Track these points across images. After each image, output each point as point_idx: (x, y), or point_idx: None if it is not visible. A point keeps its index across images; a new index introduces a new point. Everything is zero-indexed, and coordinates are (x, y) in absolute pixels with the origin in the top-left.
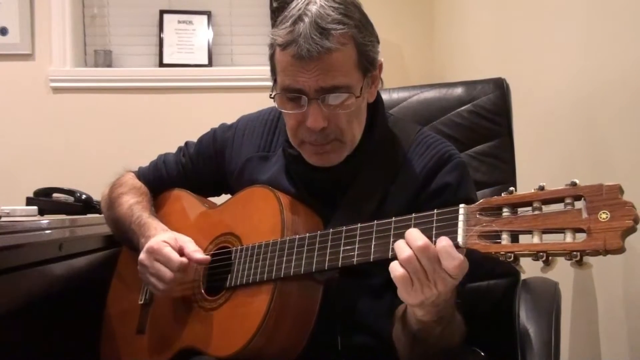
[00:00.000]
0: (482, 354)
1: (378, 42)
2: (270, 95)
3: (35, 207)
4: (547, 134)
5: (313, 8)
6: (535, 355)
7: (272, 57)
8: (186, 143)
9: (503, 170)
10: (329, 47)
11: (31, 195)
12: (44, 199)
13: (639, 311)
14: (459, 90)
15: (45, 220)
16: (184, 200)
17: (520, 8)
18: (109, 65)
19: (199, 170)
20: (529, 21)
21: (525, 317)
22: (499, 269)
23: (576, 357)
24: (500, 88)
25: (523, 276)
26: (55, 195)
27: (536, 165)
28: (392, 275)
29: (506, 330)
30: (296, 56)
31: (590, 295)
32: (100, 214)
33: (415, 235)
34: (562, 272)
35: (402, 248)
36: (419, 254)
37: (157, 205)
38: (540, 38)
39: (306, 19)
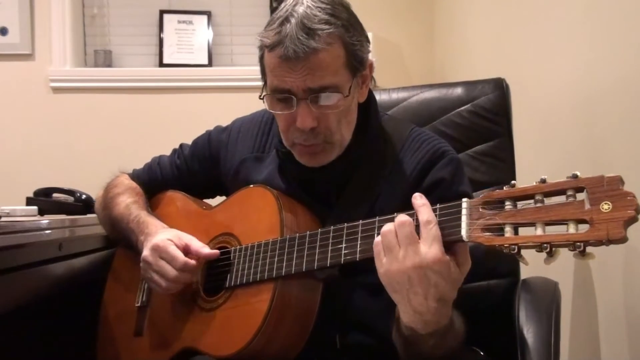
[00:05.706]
0: (482, 354)
1: (368, 41)
2: (260, 96)
3: (35, 207)
4: (547, 134)
5: (300, 9)
6: (535, 355)
7: (261, 59)
8: (181, 145)
9: (503, 170)
10: (315, 47)
11: (31, 195)
12: (44, 199)
13: (639, 311)
14: (459, 90)
15: (45, 220)
16: (180, 201)
17: (521, 8)
18: (109, 65)
19: (194, 172)
20: (529, 21)
21: (525, 317)
22: (499, 269)
23: (576, 357)
24: (500, 88)
25: (523, 276)
26: (55, 195)
27: (536, 165)
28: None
29: (506, 330)
30: (283, 57)
31: (590, 295)
32: None
33: (402, 217)
34: (562, 272)
35: (387, 224)
36: (398, 228)
37: (151, 206)
38: (540, 38)
39: (292, 20)
